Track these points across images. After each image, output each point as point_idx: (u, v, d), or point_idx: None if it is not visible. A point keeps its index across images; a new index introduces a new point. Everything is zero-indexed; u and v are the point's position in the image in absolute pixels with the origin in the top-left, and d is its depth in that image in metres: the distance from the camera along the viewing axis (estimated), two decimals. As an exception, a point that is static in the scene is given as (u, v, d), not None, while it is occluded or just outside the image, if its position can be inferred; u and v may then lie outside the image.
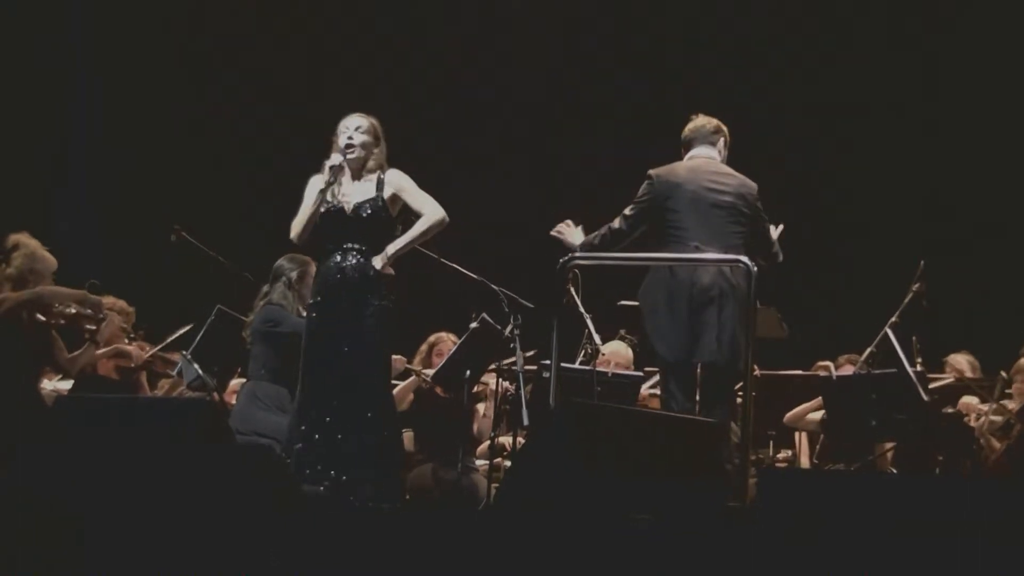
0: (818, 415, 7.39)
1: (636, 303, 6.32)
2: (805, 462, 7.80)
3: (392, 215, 6.16)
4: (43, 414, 6.03)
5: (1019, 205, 9.50)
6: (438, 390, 7.20)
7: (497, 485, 6.33)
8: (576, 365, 6.89)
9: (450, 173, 9.49)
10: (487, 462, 7.09)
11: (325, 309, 6.08)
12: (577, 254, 6.07)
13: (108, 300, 7.10)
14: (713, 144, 6.38)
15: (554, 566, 4.21)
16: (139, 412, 5.04)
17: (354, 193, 6.14)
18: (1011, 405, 7.17)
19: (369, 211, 6.10)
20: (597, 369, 6.58)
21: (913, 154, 9.90)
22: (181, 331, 7.46)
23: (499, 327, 6.71)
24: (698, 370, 6.20)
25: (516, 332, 6.51)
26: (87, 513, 4.43)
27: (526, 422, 6.29)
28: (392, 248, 6.09)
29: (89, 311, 6.75)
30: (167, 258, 8.39)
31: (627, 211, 6.27)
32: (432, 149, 9.86)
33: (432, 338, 7.61)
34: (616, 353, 7.41)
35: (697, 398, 6.20)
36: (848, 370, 7.45)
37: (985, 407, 7.24)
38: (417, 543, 4.38)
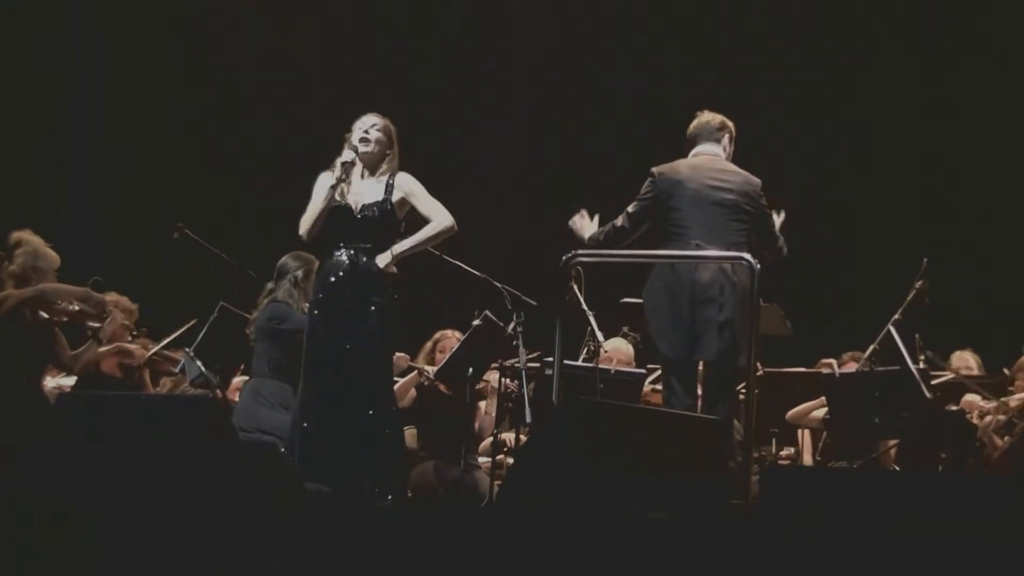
0: (821, 412, 7.39)
1: (639, 300, 6.32)
2: (808, 459, 7.80)
3: (398, 218, 6.16)
4: (46, 411, 6.03)
5: (1021, 202, 9.50)
6: (441, 387, 7.19)
7: (499, 483, 6.33)
8: (579, 362, 6.89)
9: (452, 170, 9.49)
10: (489, 459, 7.09)
11: (328, 307, 6.08)
12: (580, 251, 6.06)
13: (111, 297, 7.11)
14: (717, 141, 6.38)
15: (557, 564, 4.21)
16: (142, 409, 5.02)
17: (363, 193, 6.13)
18: (1013, 402, 7.16)
19: (376, 213, 6.10)
20: (600, 367, 6.58)
21: (916, 152, 9.89)
22: (184, 327, 7.46)
23: (502, 324, 6.70)
24: (700, 368, 6.21)
25: (519, 329, 6.51)
26: (89, 511, 4.42)
27: (529, 419, 6.28)
28: (398, 248, 6.09)
29: (92, 308, 6.74)
30: (169, 256, 8.39)
31: (630, 208, 6.28)
32: (434, 147, 9.86)
33: (437, 335, 7.62)
34: (619, 350, 7.42)
35: (699, 395, 6.21)
36: (851, 367, 7.45)
37: (987, 404, 7.24)
38: (419, 541, 4.38)
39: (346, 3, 10.67)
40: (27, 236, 6.62)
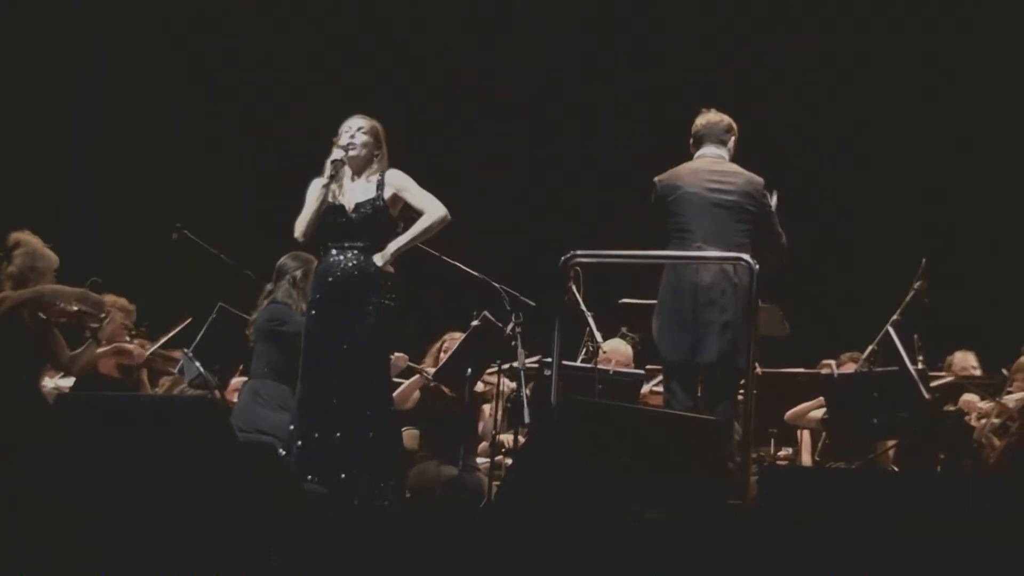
0: (819, 413, 7.39)
1: (638, 301, 6.33)
2: (807, 459, 7.80)
3: (393, 215, 6.16)
4: (44, 412, 6.02)
5: (1020, 203, 9.50)
6: (445, 389, 7.18)
7: (498, 483, 6.33)
8: (577, 363, 6.89)
9: (452, 171, 9.49)
10: (488, 460, 7.09)
11: (324, 307, 6.07)
12: (578, 252, 6.06)
13: (109, 298, 7.10)
14: (724, 143, 6.38)
15: (555, 564, 4.21)
16: (140, 410, 5.04)
17: (355, 193, 6.14)
18: (1011, 403, 7.17)
19: (369, 210, 6.09)
20: (598, 367, 6.58)
21: (915, 152, 9.89)
22: (180, 326, 7.46)
23: (501, 325, 6.70)
24: (700, 368, 6.21)
25: (517, 330, 6.51)
26: (88, 512, 4.43)
27: (527, 420, 6.28)
28: (394, 246, 6.09)
29: (91, 309, 6.74)
30: (168, 256, 8.39)
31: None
32: (433, 147, 9.87)
33: (445, 337, 7.57)
34: (617, 351, 7.42)
35: (699, 395, 6.21)
36: (850, 368, 7.46)
37: (986, 405, 7.24)
38: (418, 541, 4.38)
39: (346, 3, 10.67)
40: (25, 237, 6.61)
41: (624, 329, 7.54)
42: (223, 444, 4.83)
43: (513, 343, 6.51)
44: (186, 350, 7.11)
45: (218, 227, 8.30)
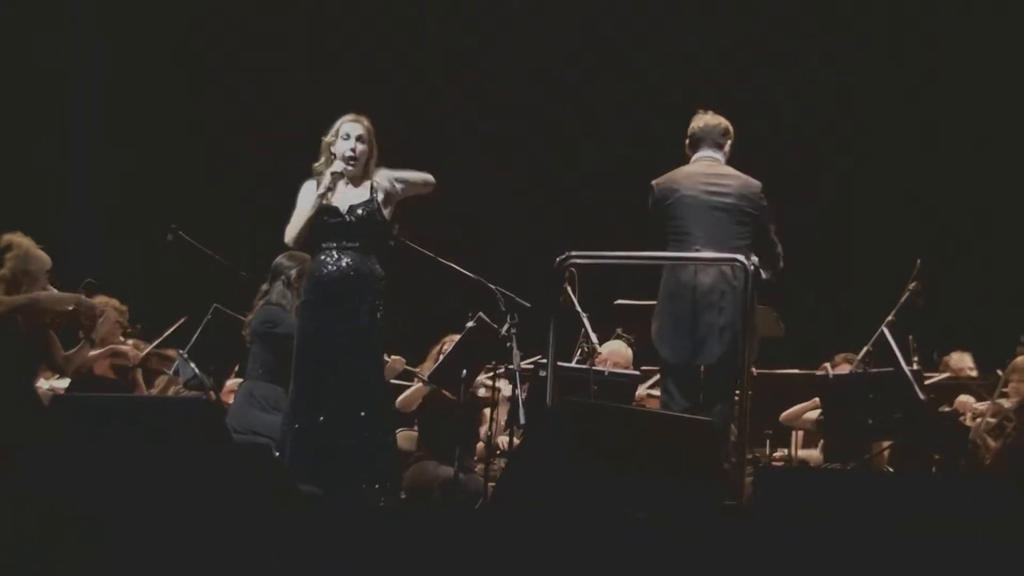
0: (814, 414, 7.40)
1: (634, 302, 6.34)
2: (803, 454, 7.82)
3: (387, 217, 6.16)
4: (40, 414, 6.01)
5: (1015, 204, 9.52)
6: (447, 393, 7.16)
7: (493, 484, 6.34)
8: (573, 364, 6.89)
9: (448, 172, 9.48)
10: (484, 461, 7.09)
11: (318, 308, 6.05)
12: (573, 253, 6.07)
13: (100, 300, 7.07)
14: (721, 147, 6.38)
15: (550, 564, 4.23)
16: (136, 411, 5.05)
17: (348, 195, 6.11)
18: (1006, 404, 7.19)
19: (363, 212, 6.09)
20: (594, 368, 6.59)
21: (910, 153, 9.91)
22: (174, 326, 7.46)
23: (496, 326, 6.70)
24: (701, 371, 6.21)
25: (513, 331, 6.51)
26: (84, 513, 4.44)
27: (523, 421, 6.29)
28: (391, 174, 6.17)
29: (85, 311, 6.73)
30: (168, 257, 8.40)
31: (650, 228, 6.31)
32: (430, 148, 9.86)
33: (444, 340, 7.56)
34: (616, 353, 7.41)
35: (698, 398, 6.21)
36: (845, 369, 7.46)
37: (981, 406, 7.26)
38: (414, 542, 4.39)
39: (346, 4, 10.68)
40: (17, 239, 6.56)
41: (620, 330, 7.54)
42: (219, 445, 4.84)
43: (508, 344, 6.51)
44: (181, 351, 7.12)
45: (218, 227, 8.31)
